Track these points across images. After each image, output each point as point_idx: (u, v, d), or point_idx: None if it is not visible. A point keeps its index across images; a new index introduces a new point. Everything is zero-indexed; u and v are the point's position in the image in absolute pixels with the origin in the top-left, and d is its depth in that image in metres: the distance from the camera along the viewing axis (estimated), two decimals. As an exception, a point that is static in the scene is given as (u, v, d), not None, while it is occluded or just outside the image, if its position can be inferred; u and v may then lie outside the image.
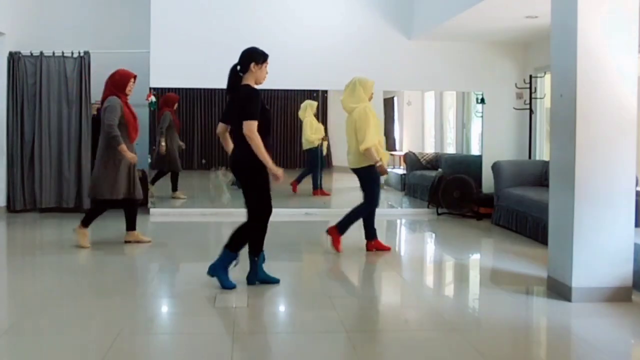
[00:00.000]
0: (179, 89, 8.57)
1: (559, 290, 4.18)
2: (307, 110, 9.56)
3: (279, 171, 4.21)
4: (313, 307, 4.10)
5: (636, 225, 4.20)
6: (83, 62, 7.70)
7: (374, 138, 5.24)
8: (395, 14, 8.01)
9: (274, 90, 8.84)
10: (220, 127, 4.43)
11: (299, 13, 7.93)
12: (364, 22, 7.98)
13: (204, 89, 8.82)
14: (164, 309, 4.09)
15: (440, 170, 8.27)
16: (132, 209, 5.76)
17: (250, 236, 4.37)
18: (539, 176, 7.02)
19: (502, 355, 3.26)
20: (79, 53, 7.73)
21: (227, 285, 4.28)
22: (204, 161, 9.38)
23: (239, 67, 4.35)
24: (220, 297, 4.13)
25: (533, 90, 7.76)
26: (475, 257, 6.03)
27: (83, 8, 8.51)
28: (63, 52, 7.71)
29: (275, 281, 4.45)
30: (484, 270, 5.39)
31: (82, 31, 8.38)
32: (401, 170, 10.36)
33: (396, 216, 8.36)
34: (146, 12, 7.70)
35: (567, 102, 4.10)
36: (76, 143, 7.69)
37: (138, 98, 7.94)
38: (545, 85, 7.61)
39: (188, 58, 7.62)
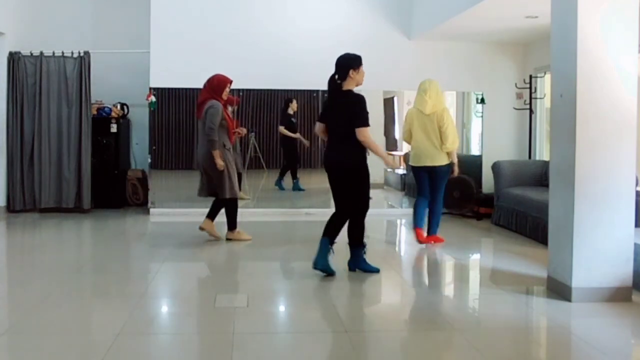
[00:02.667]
0: (178, 88, 8.56)
1: (559, 290, 4.18)
2: None
3: (390, 158, 4.91)
4: (313, 307, 4.10)
5: (636, 225, 4.20)
6: (83, 62, 7.70)
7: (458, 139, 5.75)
8: (395, 14, 8.01)
9: (274, 90, 8.84)
10: (320, 126, 4.77)
11: (298, 13, 7.93)
12: (364, 22, 7.98)
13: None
14: (164, 309, 4.09)
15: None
16: (234, 207, 5.97)
17: (357, 227, 4.72)
18: (539, 176, 7.02)
19: (502, 355, 3.26)
20: (79, 53, 7.73)
21: (372, 269, 4.77)
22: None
23: (337, 76, 4.58)
24: (220, 297, 4.13)
25: (533, 90, 7.76)
26: (475, 257, 6.02)
27: (83, 8, 8.51)
28: (63, 52, 7.71)
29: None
30: (484, 270, 5.39)
31: (82, 31, 8.39)
32: (401, 170, 10.35)
33: (396, 216, 8.36)
34: (146, 12, 7.70)
35: (567, 102, 4.10)
36: (76, 143, 7.69)
37: (138, 98, 7.98)
38: (545, 85, 7.61)
39: (188, 58, 7.62)
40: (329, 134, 4.71)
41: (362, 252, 4.75)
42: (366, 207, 4.69)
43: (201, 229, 5.90)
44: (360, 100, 4.53)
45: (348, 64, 4.56)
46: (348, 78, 4.53)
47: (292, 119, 9.25)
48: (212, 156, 5.61)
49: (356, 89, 4.66)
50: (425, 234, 5.89)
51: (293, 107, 9.37)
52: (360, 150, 4.57)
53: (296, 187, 9.59)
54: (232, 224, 5.94)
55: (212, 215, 5.94)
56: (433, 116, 5.66)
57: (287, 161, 9.65)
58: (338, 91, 4.58)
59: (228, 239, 5.94)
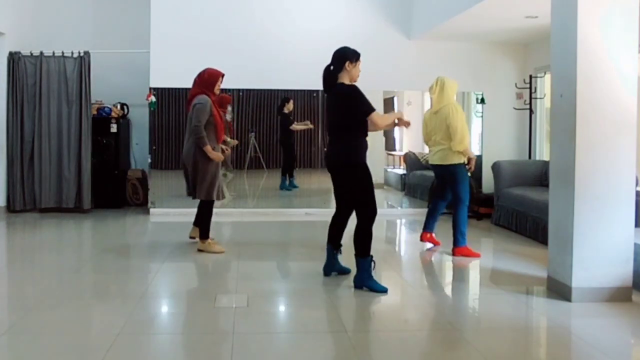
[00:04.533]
0: (178, 88, 8.57)
1: (559, 290, 4.18)
2: None
3: (403, 118, 4.57)
4: (313, 307, 4.10)
5: (636, 225, 4.20)
6: (83, 62, 7.70)
7: (468, 136, 5.40)
8: (395, 14, 8.01)
9: (274, 90, 8.85)
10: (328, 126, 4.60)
11: (298, 14, 7.93)
12: (364, 22, 7.98)
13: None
14: (164, 309, 4.09)
15: (440, 170, 8.26)
16: (209, 211, 5.57)
17: (363, 234, 4.32)
18: (539, 176, 7.02)
19: (502, 355, 3.26)
20: (79, 53, 7.73)
21: (380, 289, 4.27)
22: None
23: (332, 67, 4.41)
24: (220, 297, 4.14)
25: (533, 90, 7.76)
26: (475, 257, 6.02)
27: (83, 8, 8.52)
28: (63, 52, 7.71)
29: (347, 271, 4.66)
30: (484, 270, 5.39)
31: (82, 31, 8.39)
32: (401, 170, 10.35)
33: (396, 216, 8.36)
34: (146, 12, 7.71)
35: (567, 102, 4.10)
36: (76, 143, 7.69)
37: (138, 98, 7.98)
38: (545, 85, 7.61)
39: (188, 58, 7.62)
40: (328, 130, 4.53)
41: (369, 265, 4.30)
42: (373, 211, 4.31)
43: (192, 237, 5.77)
44: (354, 90, 4.32)
45: (345, 55, 4.41)
46: (343, 70, 4.37)
47: (290, 117, 9.39)
48: (194, 154, 5.30)
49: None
50: (430, 237, 5.78)
51: (289, 107, 9.49)
52: (356, 145, 4.33)
53: (292, 185, 9.70)
54: (204, 232, 5.50)
55: (198, 221, 5.68)
56: (440, 113, 5.45)
57: (288, 160, 9.72)
58: (332, 85, 4.42)
59: (199, 250, 5.50)
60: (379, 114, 4.32)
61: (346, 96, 4.30)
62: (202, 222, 5.50)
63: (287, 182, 9.77)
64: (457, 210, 5.50)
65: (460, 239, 5.48)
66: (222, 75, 5.54)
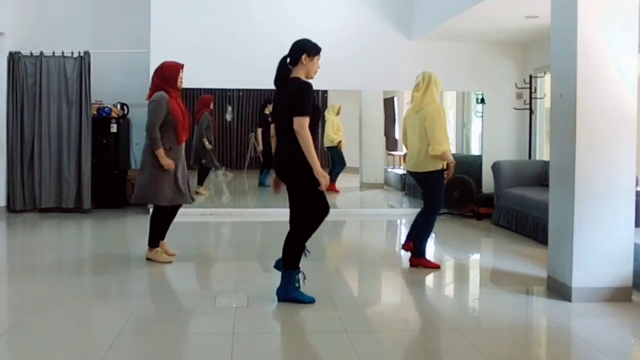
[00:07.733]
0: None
1: (559, 290, 4.18)
2: (329, 111, 10.57)
3: (325, 176, 3.84)
4: (313, 307, 4.10)
5: (636, 225, 4.20)
6: (83, 62, 7.70)
7: (447, 140, 4.90)
8: (395, 14, 8.01)
9: (274, 90, 8.86)
10: (274, 128, 4.16)
11: (298, 13, 7.92)
12: (364, 22, 7.98)
13: (204, 89, 8.82)
14: (164, 309, 4.09)
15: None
16: (172, 215, 5.21)
17: (296, 244, 4.00)
18: (539, 176, 7.02)
19: (502, 355, 3.26)
20: (79, 53, 7.73)
21: (307, 299, 3.98)
22: (204, 161, 9.41)
23: (288, 60, 4.01)
24: (220, 297, 4.14)
25: (533, 90, 7.75)
26: (475, 257, 6.03)
27: (83, 8, 8.51)
28: (63, 52, 7.71)
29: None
30: (484, 270, 5.39)
31: (82, 31, 8.39)
32: (401, 170, 10.36)
33: (396, 216, 8.36)
34: (146, 12, 7.70)
35: (567, 102, 4.10)
36: (76, 143, 7.69)
37: (138, 98, 7.97)
38: (545, 85, 7.61)
39: (188, 58, 7.56)
40: (277, 131, 4.08)
41: (295, 277, 3.98)
42: (323, 211, 3.92)
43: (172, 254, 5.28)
44: (302, 86, 3.87)
45: (304, 48, 3.96)
46: (299, 63, 3.95)
47: (269, 119, 9.70)
48: (149, 156, 4.95)
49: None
50: (410, 250, 5.08)
51: (270, 108, 9.72)
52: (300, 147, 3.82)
53: (263, 182, 10.43)
54: (153, 239, 5.05)
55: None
56: (422, 114, 4.92)
57: (268, 158, 10.09)
58: (284, 81, 4.01)
59: (147, 259, 5.10)
60: (303, 124, 3.76)
61: (297, 91, 3.86)
62: (152, 230, 5.05)
63: (267, 180, 10.24)
64: (425, 217, 5.04)
65: (422, 249, 5.05)
66: (182, 66, 5.05)
